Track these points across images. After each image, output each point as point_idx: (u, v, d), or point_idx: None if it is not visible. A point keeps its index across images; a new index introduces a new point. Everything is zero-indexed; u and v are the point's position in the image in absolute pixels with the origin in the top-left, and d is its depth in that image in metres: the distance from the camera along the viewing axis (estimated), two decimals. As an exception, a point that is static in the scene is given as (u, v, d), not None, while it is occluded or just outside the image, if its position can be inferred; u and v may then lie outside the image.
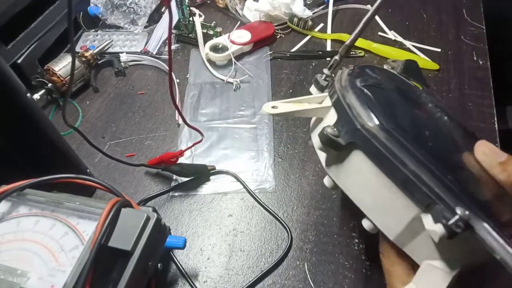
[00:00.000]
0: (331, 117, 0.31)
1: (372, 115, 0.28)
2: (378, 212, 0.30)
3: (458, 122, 0.35)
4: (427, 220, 0.25)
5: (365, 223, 0.31)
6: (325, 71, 0.36)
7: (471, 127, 0.37)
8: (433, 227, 0.24)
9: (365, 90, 0.30)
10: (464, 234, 0.24)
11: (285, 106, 0.34)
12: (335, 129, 0.29)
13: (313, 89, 0.37)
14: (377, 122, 0.27)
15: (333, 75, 0.35)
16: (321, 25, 0.70)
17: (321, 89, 0.36)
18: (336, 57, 0.37)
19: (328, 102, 0.32)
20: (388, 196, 0.28)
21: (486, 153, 0.29)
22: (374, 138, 0.27)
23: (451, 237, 0.24)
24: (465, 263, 0.27)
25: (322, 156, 0.32)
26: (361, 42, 0.64)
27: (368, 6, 0.72)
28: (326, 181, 0.34)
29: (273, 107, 0.33)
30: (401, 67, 0.45)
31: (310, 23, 0.67)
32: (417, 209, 0.26)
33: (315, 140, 0.30)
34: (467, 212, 0.24)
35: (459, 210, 0.24)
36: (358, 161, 0.29)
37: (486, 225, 0.24)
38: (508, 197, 0.28)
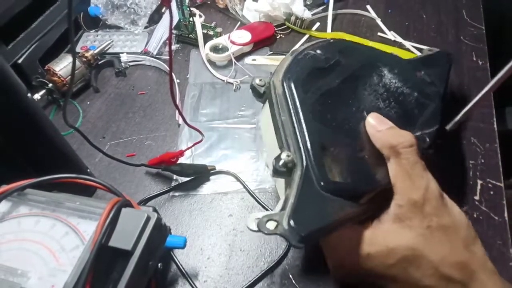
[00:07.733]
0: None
1: (281, 74, 0.36)
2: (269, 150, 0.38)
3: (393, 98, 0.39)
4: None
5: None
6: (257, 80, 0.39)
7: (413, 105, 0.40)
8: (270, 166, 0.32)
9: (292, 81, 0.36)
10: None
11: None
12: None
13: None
14: (280, 78, 0.36)
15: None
16: (318, 24, 0.69)
17: (259, 96, 0.39)
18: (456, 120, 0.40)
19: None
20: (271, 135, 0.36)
21: (370, 123, 0.35)
22: (274, 89, 0.36)
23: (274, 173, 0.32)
24: None
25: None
26: (356, 41, 0.64)
27: (370, 13, 0.72)
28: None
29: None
30: None
31: (307, 21, 0.67)
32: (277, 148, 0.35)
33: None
34: (289, 157, 0.31)
35: (284, 154, 0.31)
36: (265, 109, 0.38)
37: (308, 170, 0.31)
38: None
